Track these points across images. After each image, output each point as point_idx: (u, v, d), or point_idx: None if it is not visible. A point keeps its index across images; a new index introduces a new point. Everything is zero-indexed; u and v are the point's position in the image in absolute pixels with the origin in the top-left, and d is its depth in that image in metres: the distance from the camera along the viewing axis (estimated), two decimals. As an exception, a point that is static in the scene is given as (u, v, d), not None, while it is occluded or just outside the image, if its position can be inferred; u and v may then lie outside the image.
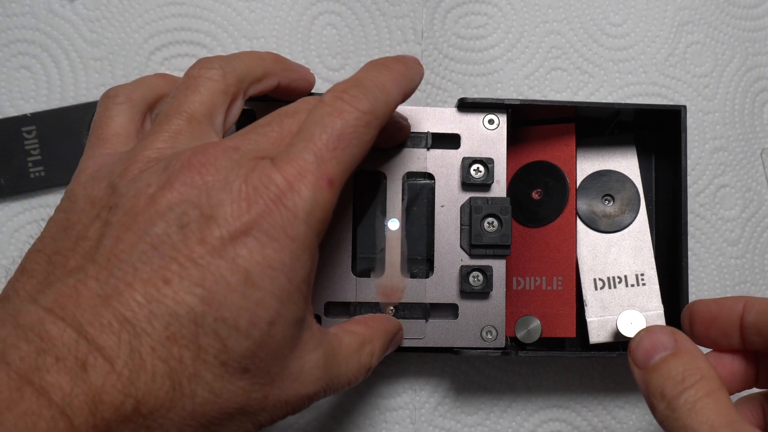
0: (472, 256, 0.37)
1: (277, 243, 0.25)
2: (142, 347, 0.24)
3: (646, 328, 0.31)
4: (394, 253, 0.37)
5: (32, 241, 0.28)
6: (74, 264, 0.25)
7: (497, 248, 0.37)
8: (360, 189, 0.37)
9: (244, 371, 0.25)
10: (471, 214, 0.37)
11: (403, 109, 0.38)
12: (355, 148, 0.28)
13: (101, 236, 0.26)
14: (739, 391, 0.33)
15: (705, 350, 0.32)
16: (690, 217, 0.43)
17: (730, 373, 0.32)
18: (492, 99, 0.37)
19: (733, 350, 0.32)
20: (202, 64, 0.31)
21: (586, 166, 0.41)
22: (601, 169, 0.41)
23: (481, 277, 0.37)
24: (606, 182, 0.40)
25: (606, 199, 0.40)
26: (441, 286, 0.37)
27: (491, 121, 0.38)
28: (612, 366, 0.42)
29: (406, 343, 0.37)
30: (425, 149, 0.37)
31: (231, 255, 0.25)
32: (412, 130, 0.37)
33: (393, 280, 0.37)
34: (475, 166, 0.37)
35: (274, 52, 0.42)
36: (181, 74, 0.42)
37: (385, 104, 0.29)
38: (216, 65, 0.31)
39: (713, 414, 0.27)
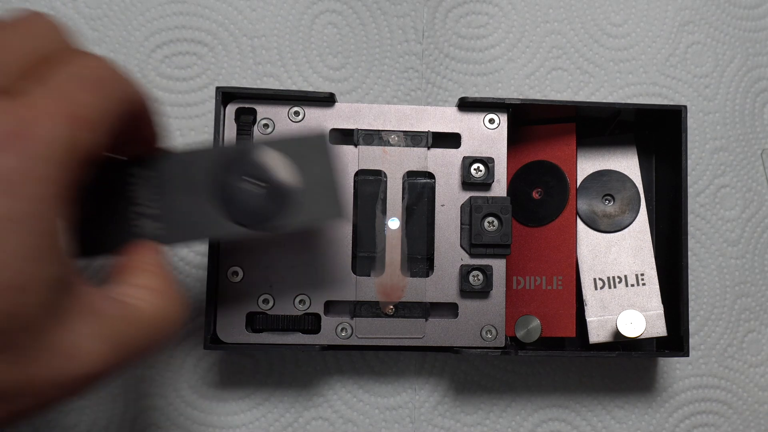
0: (472, 255, 0.37)
1: (13, 188, 0.21)
2: None
3: None
4: (394, 252, 0.37)
5: None
6: None
7: (497, 248, 0.37)
8: (360, 188, 0.37)
9: None
10: (471, 214, 0.37)
11: (404, 108, 0.38)
12: (105, 98, 0.24)
13: None
14: None
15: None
16: (690, 217, 0.43)
17: None
18: (493, 98, 0.37)
19: None
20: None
21: (587, 165, 0.41)
22: (602, 168, 0.41)
23: (481, 276, 0.37)
24: (606, 182, 0.40)
25: (606, 199, 0.40)
26: (441, 285, 0.37)
27: (492, 121, 0.38)
28: (612, 366, 0.42)
29: (407, 343, 0.37)
30: (426, 148, 0.37)
31: None
32: (412, 130, 0.37)
33: (393, 279, 0.37)
34: (475, 166, 0.37)
35: (276, 50, 0.42)
36: (181, 73, 0.42)
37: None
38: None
39: None
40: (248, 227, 0.31)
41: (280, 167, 0.31)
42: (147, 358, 0.25)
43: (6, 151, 0.21)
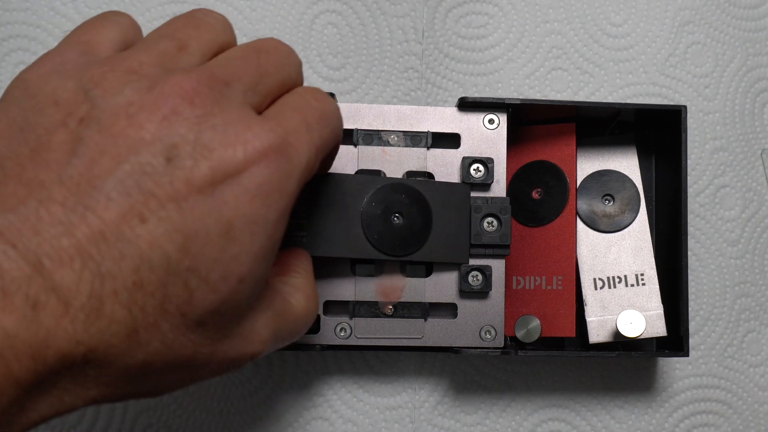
0: (471, 255, 0.37)
1: (268, 197, 0.24)
2: (104, 290, 0.22)
3: None
4: (393, 252, 0.37)
5: None
6: (33, 177, 0.22)
7: (497, 248, 0.37)
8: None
9: (199, 325, 0.24)
10: (471, 214, 0.37)
11: (403, 108, 0.38)
12: (332, 132, 0.28)
13: (71, 153, 0.23)
14: None
15: None
16: (690, 217, 0.43)
17: None
18: (492, 98, 0.37)
19: None
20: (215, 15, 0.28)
21: (587, 165, 0.41)
22: (602, 168, 0.41)
23: (480, 276, 0.37)
24: (606, 182, 0.40)
25: (606, 199, 0.40)
26: (440, 285, 0.37)
27: (491, 121, 0.38)
28: (611, 366, 0.42)
29: (406, 343, 0.37)
30: (425, 148, 0.37)
31: (217, 202, 0.23)
32: (412, 130, 0.37)
33: (392, 279, 0.37)
34: (475, 166, 0.37)
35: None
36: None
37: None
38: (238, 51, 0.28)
39: None
40: (384, 253, 0.34)
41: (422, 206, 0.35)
42: (282, 346, 0.30)
43: (269, 163, 0.24)
